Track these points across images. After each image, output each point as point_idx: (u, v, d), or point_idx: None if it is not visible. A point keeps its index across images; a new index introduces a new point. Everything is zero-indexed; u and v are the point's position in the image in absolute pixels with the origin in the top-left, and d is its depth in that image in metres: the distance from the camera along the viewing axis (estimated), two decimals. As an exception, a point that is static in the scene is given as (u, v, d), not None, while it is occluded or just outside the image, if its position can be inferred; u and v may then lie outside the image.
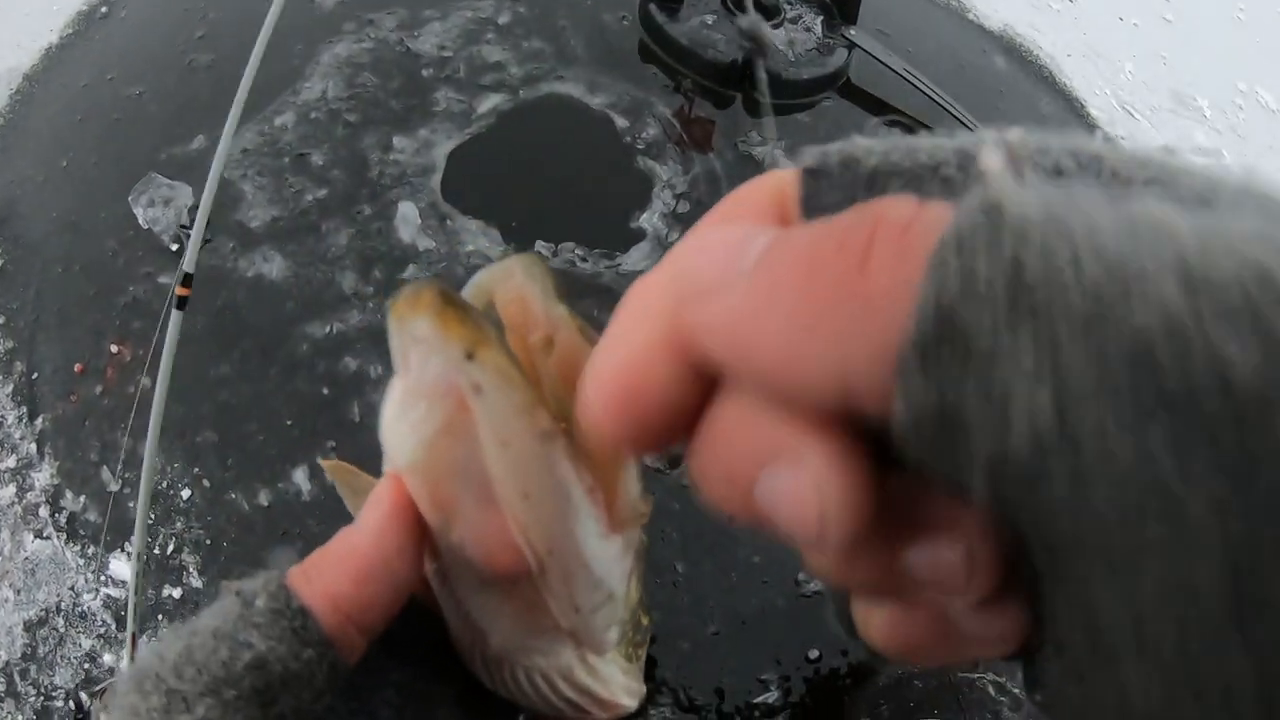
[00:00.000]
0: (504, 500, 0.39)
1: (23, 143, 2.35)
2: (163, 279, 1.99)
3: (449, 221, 2.02)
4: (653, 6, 2.37)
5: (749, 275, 0.25)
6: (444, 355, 0.35)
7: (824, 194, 0.31)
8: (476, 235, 1.99)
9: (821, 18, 2.51)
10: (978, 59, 2.93)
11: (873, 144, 0.31)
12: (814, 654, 1.59)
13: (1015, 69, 3.02)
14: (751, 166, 2.20)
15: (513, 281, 0.43)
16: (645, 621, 0.57)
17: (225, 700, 0.33)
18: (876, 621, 0.31)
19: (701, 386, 0.27)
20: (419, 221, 1.97)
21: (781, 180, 0.32)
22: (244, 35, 2.48)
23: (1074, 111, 3.00)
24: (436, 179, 2.09)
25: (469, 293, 0.43)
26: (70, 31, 2.58)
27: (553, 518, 0.40)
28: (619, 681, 0.52)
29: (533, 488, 0.39)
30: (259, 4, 2.60)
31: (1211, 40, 3.81)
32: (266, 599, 0.37)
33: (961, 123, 2.46)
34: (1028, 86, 2.97)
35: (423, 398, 0.38)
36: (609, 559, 0.43)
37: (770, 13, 2.43)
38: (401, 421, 0.40)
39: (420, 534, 0.42)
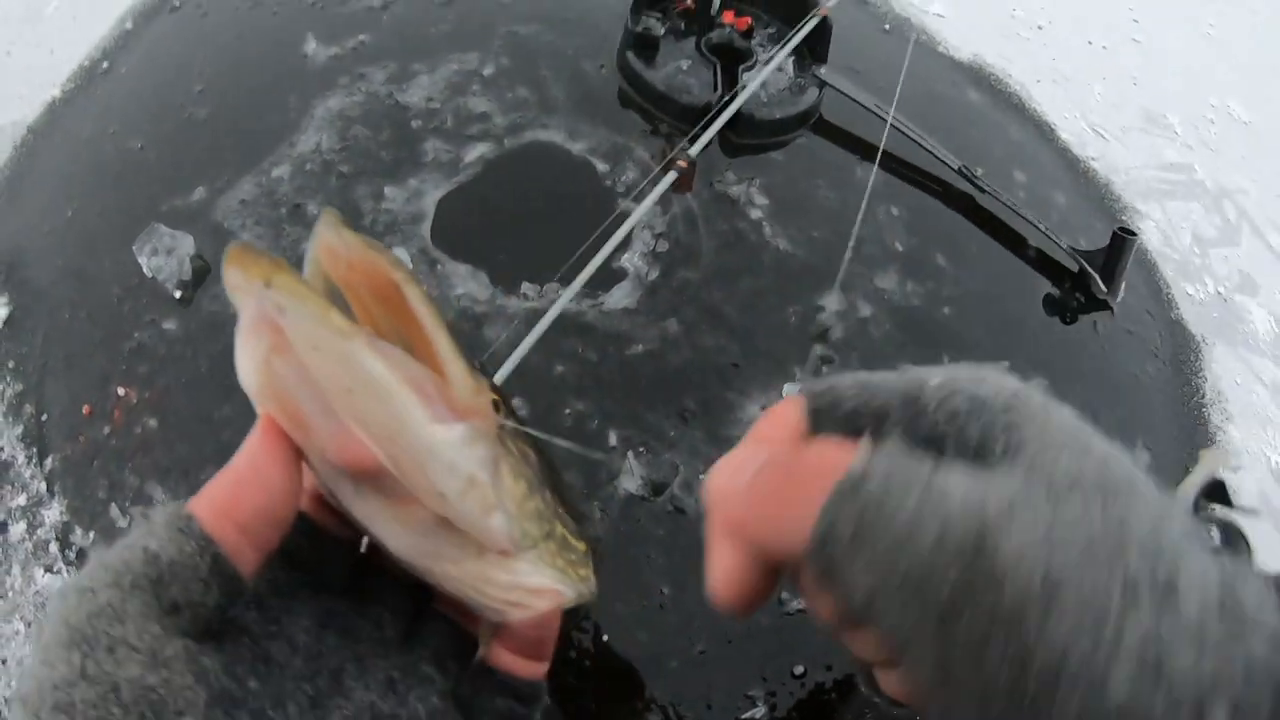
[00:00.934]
0: (333, 399, 0.43)
1: (28, 194, 2.44)
2: (167, 325, 2.11)
3: (439, 266, 2.11)
4: (630, 54, 2.47)
5: (745, 486, 0.43)
6: (249, 290, 0.41)
7: (821, 424, 0.48)
8: (465, 279, 2.09)
9: (793, 58, 2.62)
10: (948, 90, 3.03)
11: (848, 389, 0.47)
12: (799, 669, 1.67)
13: (986, 98, 3.11)
14: (727, 204, 2.30)
15: (323, 238, 0.47)
16: (579, 546, 0.58)
17: (123, 587, 0.38)
18: (885, 681, 0.45)
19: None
20: (410, 263, 2.06)
21: (797, 411, 0.48)
22: (240, 89, 2.60)
23: (1043, 136, 3.09)
24: (426, 226, 2.19)
25: (309, 270, 0.48)
26: (72, 86, 2.68)
27: (377, 407, 0.43)
28: (548, 574, 0.53)
29: (350, 381, 0.43)
30: (254, 58, 2.72)
31: (1181, 58, 3.89)
32: (162, 514, 0.41)
33: (935, 158, 2.56)
34: (998, 114, 3.07)
35: (250, 332, 0.43)
36: (454, 443, 0.46)
37: (742, 55, 2.54)
38: (242, 358, 0.44)
39: (289, 445, 0.45)
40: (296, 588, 0.47)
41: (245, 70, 2.61)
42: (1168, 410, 2.51)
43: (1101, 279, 2.55)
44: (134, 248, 2.12)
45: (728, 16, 2.62)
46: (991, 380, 0.44)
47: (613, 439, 1.89)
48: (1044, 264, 2.59)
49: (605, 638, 1.65)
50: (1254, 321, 2.98)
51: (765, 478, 0.42)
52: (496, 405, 0.51)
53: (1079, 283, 2.58)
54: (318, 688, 0.44)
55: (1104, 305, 2.58)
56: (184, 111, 2.48)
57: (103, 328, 2.08)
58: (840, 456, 0.40)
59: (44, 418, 2.00)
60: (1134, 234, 2.51)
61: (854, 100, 2.55)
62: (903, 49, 2.99)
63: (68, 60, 2.74)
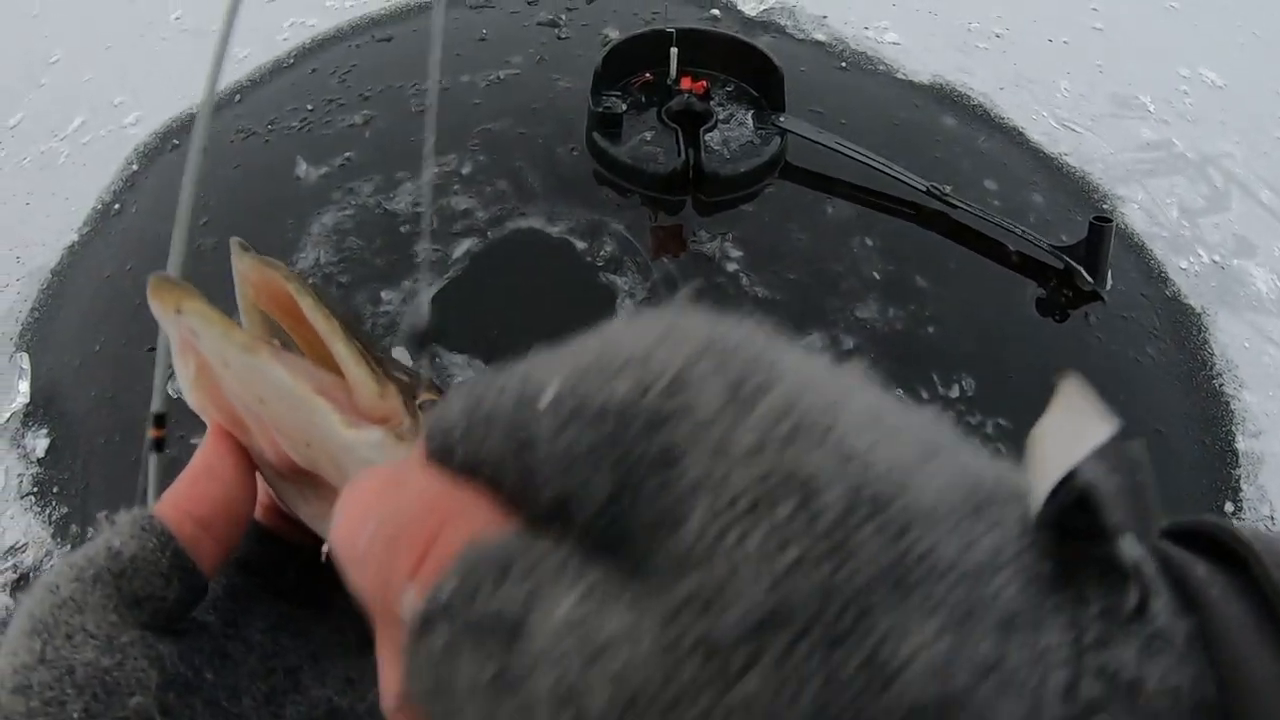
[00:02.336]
0: (249, 410, 0.45)
1: (58, 332, 2.61)
2: (194, 440, 2.20)
3: (438, 358, 2.24)
4: (596, 135, 2.61)
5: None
6: (166, 318, 0.44)
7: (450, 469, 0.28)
8: (463, 367, 2.22)
9: (751, 111, 2.73)
10: (911, 114, 3.12)
11: (456, 423, 0.26)
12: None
13: (950, 114, 3.19)
14: (704, 262, 2.41)
15: (234, 267, 0.50)
16: None
17: (85, 581, 0.39)
18: None
19: None
20: (410, 363, 2.19)
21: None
22: (241, 216, 2.75)
23: (1013, 141, 3.15)
24: (423, 324, 2.31)
25: (241, 302, 0.51)
26: (89, 229, 2.86)
27: (289, 414, 0.45)
28: None
29: (260, 392, 0.45)
30: (252, 186, 2.89)
31: (1146, 37, 3.88)
32: (126, 515, 0.42)
33: (901, 181, 2.64)
34: (964, 129, 3.14)
35: (178, 356, 0.47)
36: (370, 445, 0.46)
37: (702, 118, 2.66)
38: (180, 380, 0.48)
39: (240, 445, 0.47)
40: (253, 592, 0.48)
41: (244, 198, 2.77)
42: (1177, 389, 2.53)
43: (1086, 270, 2.59)
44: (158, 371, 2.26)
45: (685, 83, 2.75)
46: (648, 354, 0.24)
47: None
48: (1027, 266, 2.65)
49: None
50: (1255, 283, 2.96)
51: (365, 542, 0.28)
52: (418, 405, 0.51)
53: (1065, 279, 2.63)
54: (272, 685, 0.44)
55: (1094, 296, 2.62)
56: (193, 242, 2.62)
57: (138, 448, 2.20)
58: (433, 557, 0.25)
59: (90, 535, 2.12)
60: (1109, 220, 2.56)
61: (816, 142, 2.65)
62: (861, 83, 3.10)
63: (82, 205, 2.91)
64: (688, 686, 0.20)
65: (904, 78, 3.28)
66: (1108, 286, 2.64)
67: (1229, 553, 0.25)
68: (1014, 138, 3.18)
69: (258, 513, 0.51)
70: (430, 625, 0.23)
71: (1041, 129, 3.27)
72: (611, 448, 0.23)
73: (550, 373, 0.25)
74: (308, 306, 0.48)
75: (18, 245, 2.85)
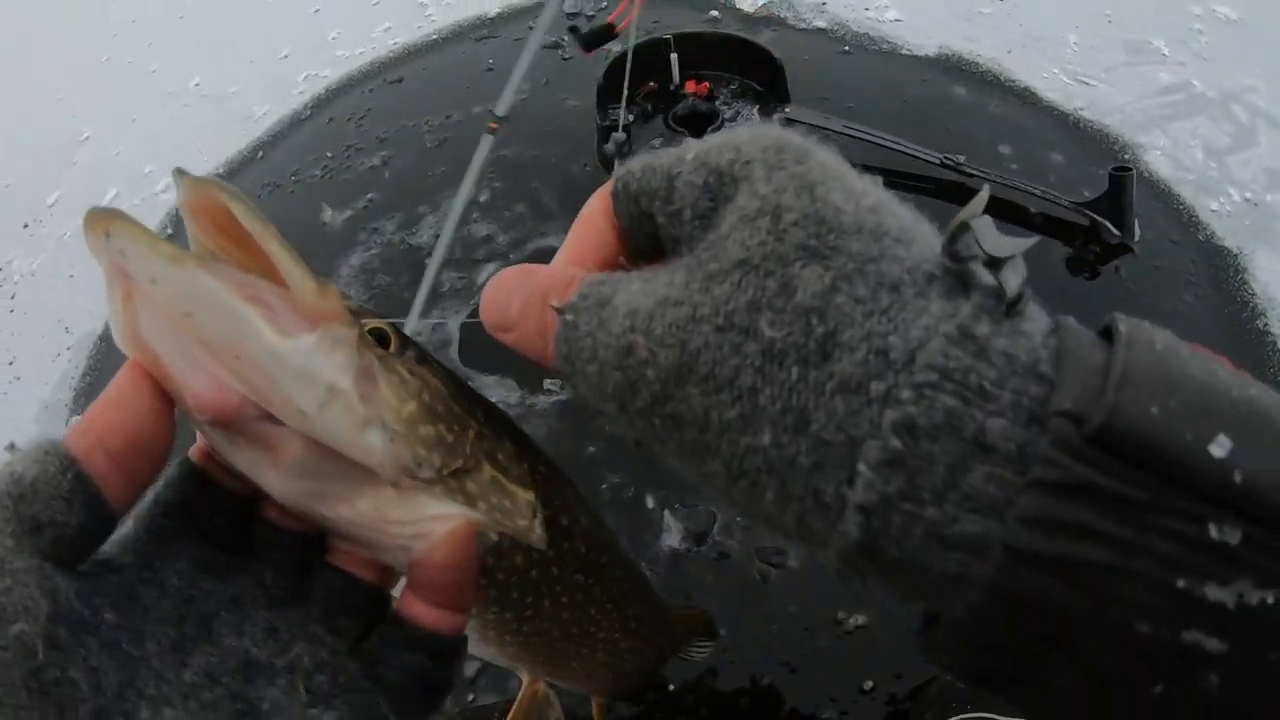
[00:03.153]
0: (179, 328, 0.43)
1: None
2: None
3: (471, 382, 2.26)
4: (606, 148, 2.65)
5: (509, 313, 0.46)
6: (97, 244, 0.42)
7: (619, 206, 0.46)
8: (495, 389, 2.29)
9: (756, 106, 2.76)
10: (919, 89, 3.12)
11: (637, 171, 0.45)
12: (868, 685, 1.73)
13: (959, 84, 3.19)
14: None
15: (183, 198, 0.47)
16: (520, 494, 0.55)
17: None
18: None
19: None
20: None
21: (604, 195, 0.47)
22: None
23: (1026, 103, 3.13)
24: (454, 349, 2.41)
25: (191, 236, 0.48)
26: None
27: (218, 325, 0.43)
28: (457, 504, 0.51)
29: (188, 304, 0.43)
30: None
31: None
32: (31, 442, 0.41)
33: (916, 158, 2.65)
34: (974, 96, 3.13)
35: (109, 286, 0.44)
36: (303, 352, 0.45)
37: (709, 119, 2.69)
38: (110, 313, 0.45)
39: (150, 378, 0.44)
40: (177, 535, 0.45)
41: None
42: (1218, 334, 2.49)
43: (1111, 223, 2.57)
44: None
45: (689, 86, 2.78)
46: (745, 143, 0.42)
47: (650, 502, 2.02)
48: (1052, 227, 2.63)
49: (671, 687, 1.76)
50: (1293, 215, 2.91)
51: (516, 309, 0.45)
52: (365, 330, 0.49)
53: (1092, 235, 2.60)
54: (183, 632, 0.42)
55: (1124, 249, 2.59)
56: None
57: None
58: (569, 284, 0.44)
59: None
60: (1128, 169, 2.53)
61: (824, 129, 2.66)
62: (866, 64, 3.10)
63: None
64: (692, 292, 0.39)
65: (909, 53, 3.28)
66: (1136, 237, 2.60)
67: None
68: (1027, 99, 3.15)
69: (195, 455, 0.48)
70: (565, 313, 0.43)
71: (1054, 87, 3.24)
72: (712, 185, 0.41)
73: (695, 146, 0.43)
74: (240, 211, 0.45)
75: (65, 316, 2.97)
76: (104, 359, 2.82)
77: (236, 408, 0.44)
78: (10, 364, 3.06)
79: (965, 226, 0.36)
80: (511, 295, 0.45)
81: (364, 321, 0.50)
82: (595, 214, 0.48)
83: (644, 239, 0.47)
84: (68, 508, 0.39)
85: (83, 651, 0.37)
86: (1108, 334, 0.36)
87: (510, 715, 1.31)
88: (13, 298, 3.42)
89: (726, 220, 0.40)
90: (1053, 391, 0.33)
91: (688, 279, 0.40)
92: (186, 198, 0.46)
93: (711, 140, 0.43)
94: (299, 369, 0.44)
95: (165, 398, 0.44)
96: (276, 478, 0.46)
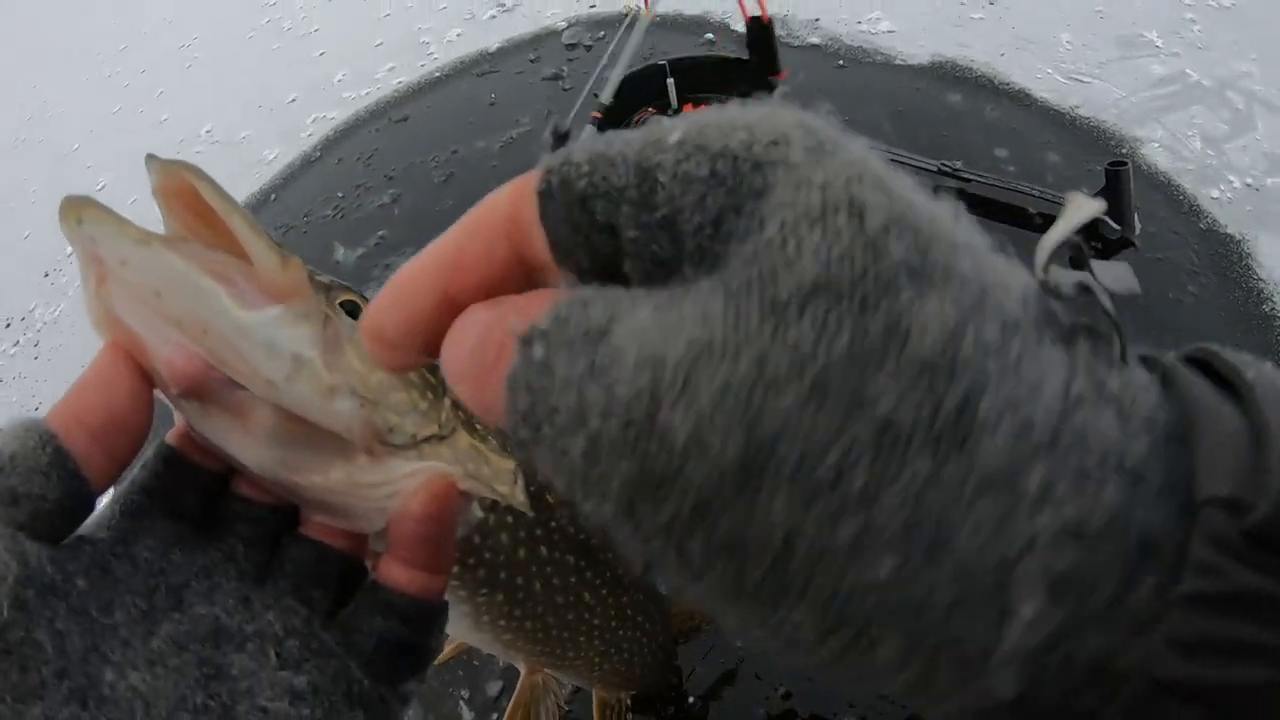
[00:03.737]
0: (148, 308, 0.44)
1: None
2: None
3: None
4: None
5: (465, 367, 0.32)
6: (71, 232, 0.43)
7: (552, 210, 0.31)
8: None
9: (754, 127, 2.80)
10: (914, 98, 3.17)
11: (582, 163, 0.30)
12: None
13: (953, 91, 3.23)
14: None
15: (154, 181, 0.48)
16: (499, 461, 0.54)
17: None
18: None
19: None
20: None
21: (518, 197, 0.32)
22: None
23: (1020, 105, 3.17)
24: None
25: (165, 222, 0.49)
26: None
27: (185, 302, 0.44)
28: (428, 464, 0.50)
29: (156, 283, 0.43)
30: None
31: None
32: (12, 421, 0.41)
33: (912, 166, 2.68)
34: (969, 101, 3.18)
35: (83, 274, 0.45)
36: (268, 323, 0.45)
37: (707, 141, 2.73)
38: (86, 299, 0.46)
39: (134, 360, 0.44)
40: (150, 512, 0.45)
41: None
42: (1225, 323, 2.51)
43: (1111, 218, 2.58)
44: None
45: (688, 109, 2.83)
46: (756, 123, 0.29)
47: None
48: (1051, 226, 2.64)
49: (691, 699, 1.81)
50: (1295, 197, 2.92)
51: (468, 350, 0.31)
52: (339, 304, 0.49)
53: (1092, 231, 2.63)
54: (152, 603, 0.42)
55: (1125, 243, 2.61)
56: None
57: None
58: (534, 301, 0.31)
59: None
60: (1124, 163, 2.56)
61: (821, 144, 2.70)
62: (861, 77, 3.14)
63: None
64: (750, 335, 0.25)
65: (903, 63, 3.32)
66: (1137, 231, 2.61)
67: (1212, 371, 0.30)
68: (1021, 101, 3.20)
69: (171, 438, 0.48)
70: (529, 343, 0.28)
71: (1049, 87, 3.28)
72: (725, 176, 0.28)
73: (674, 126, 0.29)
74: (204, 190, 0.45)
75: (89, 362, 3.03)
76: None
77: (206, 371, 0.44)
78: (36, 409, 3.14)
79: (1078, 249, 0.30)
80: (467, 331, 0.32)
81: (334, 294, 0.49)
82: (493, 219, 0.32)
83: (590, 258, 0.32)
84: (46, 481, 0.39)
85: (49, 614, 0.38)
86: (1198, 366, 0.30)
87: (511, 704, 1.35)
88: (36, 345, 3.54)
89: (771, 222, 0.27)
90: (1193, 467, 0.26)
91: (733, 310, 0.26)
92: (157, 182, 0.46)
93: (698, 119, 0.29)
94: (264, 340, 0.45)
95: (144, 377, 0.44)
96: (250, 446, 0.46)
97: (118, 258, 0.43)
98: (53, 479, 0.40)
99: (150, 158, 0.46)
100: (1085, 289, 0.28)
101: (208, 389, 0.45)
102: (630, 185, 0.29)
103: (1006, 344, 0.26)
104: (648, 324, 0.27)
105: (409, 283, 0.34)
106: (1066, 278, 0.28)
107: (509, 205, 0.32)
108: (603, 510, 0.28)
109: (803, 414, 0.25)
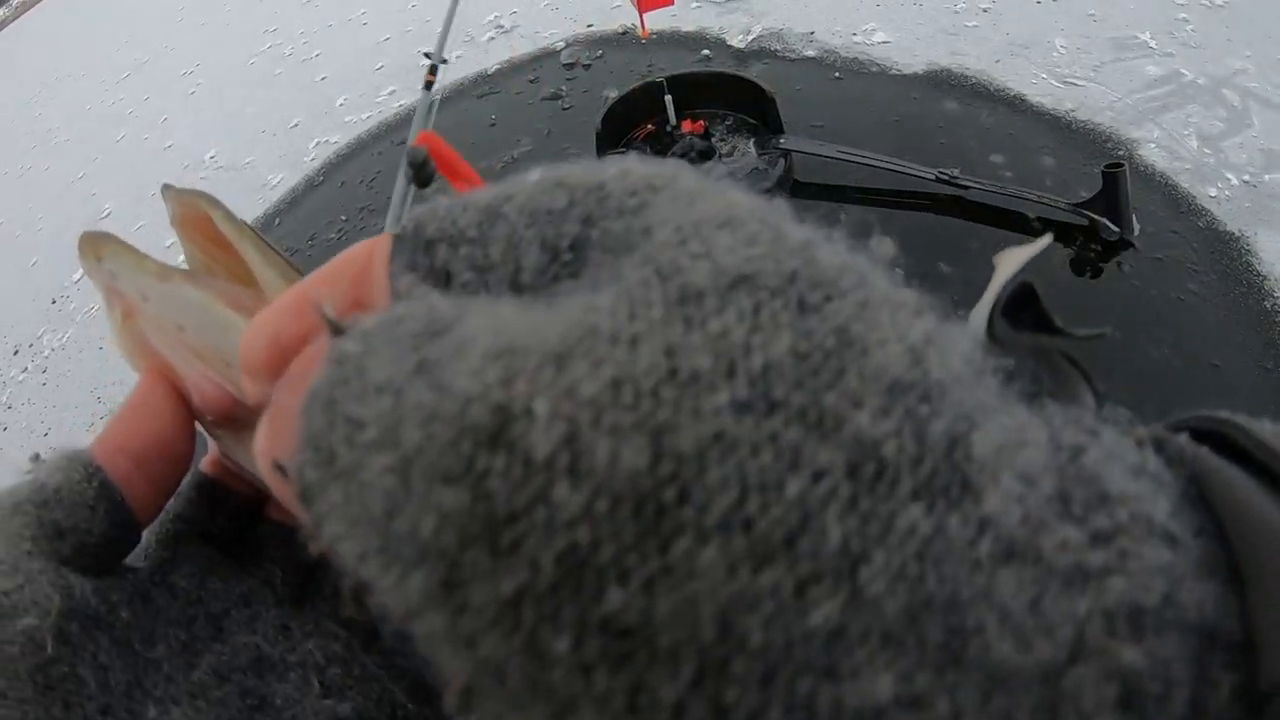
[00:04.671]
0: (174, 341, 0.44)
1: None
2: None
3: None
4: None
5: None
6: (90, 268, 0.43)
7: (400, 257, 0.27)
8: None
9: (752, 139, 2.84)
10: (910, 107, 3.19)
11: (440, 209, 0.27)
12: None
13: (949, 98, 3.25)
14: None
15: (171, 210, 0.48)
16: None
17: (4, 509, 0.38)
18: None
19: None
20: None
21: (373, 250, 0.28)
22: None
23: (1016, 110, 3.18)
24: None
25: (184, 249, 0.49)
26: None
27: (207, 335, 0.44)
28: None
29: (179, 318, 0.44)
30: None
31: None
32: (56, 453, 0.39)
33: (909, 175, 2.71)
34: (965, 109, 3.20)
35: (108, 308, 0.45)
36: None
37: (706, 155, 2.77)
38: (111, 333, 0.45)
39: (174, 386, 0.44)
40: (186, 540, 0.45)
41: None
42: (1226, 319, 2.51)
43: (1109, 220, 2.60)
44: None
45: (685, 125, 2.87)
46: (634, 167, 0.25)
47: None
48: (1050, 229, 2.64)
49: None
50: (1296, 191, 2.91)
51: (260, 350, 0.29)
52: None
53: (1091, 234, 2.64)
54: (193, 633, 0.41)
55: (1124, 245, 2.62)
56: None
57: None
58: (356, 270, 0.28)
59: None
60: (1120, 165, 2.57)
61: (819, 155, 2.73)
62: (858, 88, 3.17)
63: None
64: (653, 323, 0.19)
65: (898, 73, 3.34)
66: (1135, 232, 2.63)
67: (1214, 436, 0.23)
68: (1017, 106, 3.21)
69: (205, 465, 0.47)
70: (343, 345, 0.23)
71: (1044, 91, 3.29)
72: (587, 205, 0.24)
73: (535, 171, 0.26)
74: (218, 218, 0.45)
75: (97, 387, 3.09)
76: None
77: (236, 401, 0.43)
78: (45, 435, 3.18)
79: (1029, 290, 0.25)
80: (262, 329, 0.29)
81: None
82: (352, 259, 0.28)
83: None
84: (91, 514, 0.39)
85: (93, 648, 0.37)
86: (1190, 432, 0.23)
87: None
88: (44, 371, 3.57)
89: (661, 230, 0.22)
90: (1241, 610, 0.19)
91: (626, 300, 0.20)
92: (173, 212, 0.46)
93: (541, 174, 0.26)
94: None
95: (183, 402, 0.43)
96: None
97: (140, 294, 0.44)
98: (99, 512, 0.39)
99: (166, 187, 0.46)
100: (1040, 349, 0.24)
101: (239, 418, 0.44)
102: (471, 225, 0.26)
103: (979, 377, 0.20)
104: (508, 315, 0.21)
105: (253, 326, 0.30)
106: (1018, 338, 0.24)
107: (368, 249, 0.29)
108: (406, 587, 0.20)
109: (740, 424, 0.18)
